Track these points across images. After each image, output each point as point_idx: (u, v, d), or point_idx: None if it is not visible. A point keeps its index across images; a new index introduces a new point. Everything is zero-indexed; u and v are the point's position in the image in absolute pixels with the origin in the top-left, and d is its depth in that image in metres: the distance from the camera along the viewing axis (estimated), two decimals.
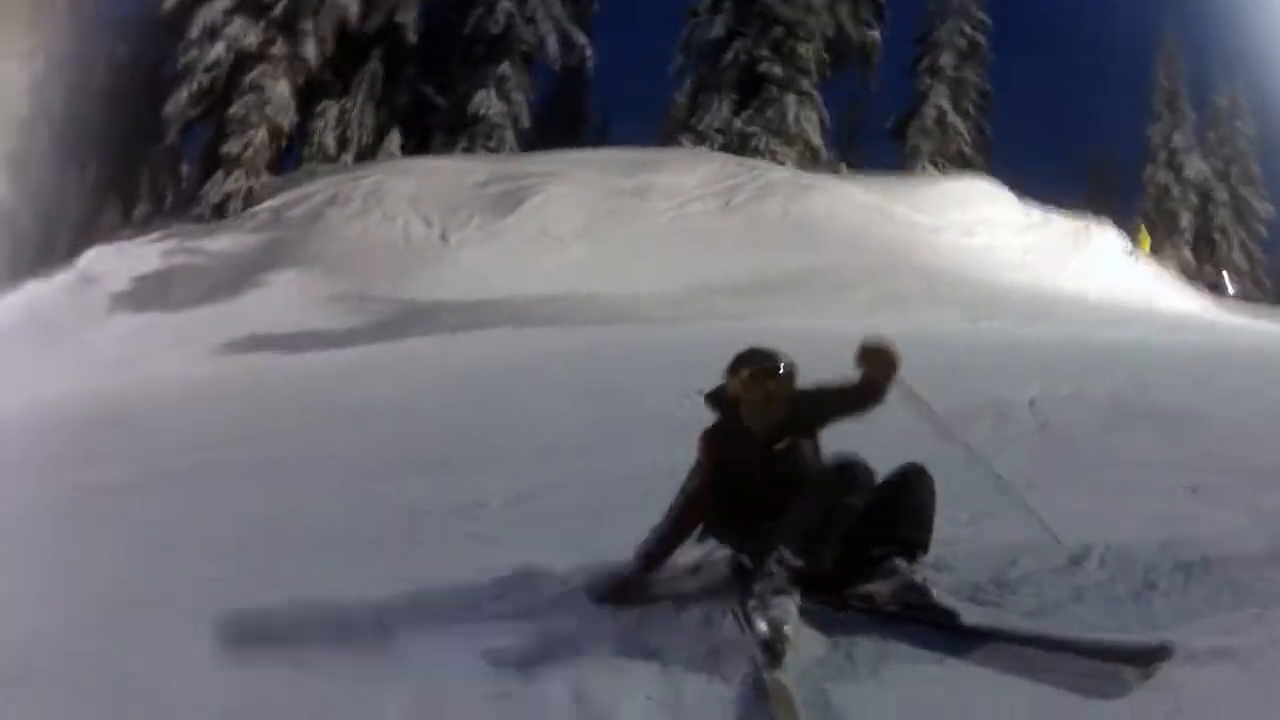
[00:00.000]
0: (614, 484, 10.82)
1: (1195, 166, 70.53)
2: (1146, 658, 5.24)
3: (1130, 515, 8.14)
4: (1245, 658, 5.26)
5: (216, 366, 27.66)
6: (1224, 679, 5.12)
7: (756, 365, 7.04)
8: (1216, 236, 71.03)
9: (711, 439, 7.23)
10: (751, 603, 6.12)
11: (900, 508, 6.63)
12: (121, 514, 11.52)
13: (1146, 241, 43.11)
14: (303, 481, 12.71)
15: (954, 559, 7.15)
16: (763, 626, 5.88)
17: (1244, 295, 65.55)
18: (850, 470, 6.50)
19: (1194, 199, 70.58)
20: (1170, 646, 5.25)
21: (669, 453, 11.46)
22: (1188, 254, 68.87)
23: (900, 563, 6.37)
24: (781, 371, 7.02)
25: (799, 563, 6.19)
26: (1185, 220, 69.72)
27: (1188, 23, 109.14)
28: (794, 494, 6.55)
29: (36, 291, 34.53)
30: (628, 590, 6.99)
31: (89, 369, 27.51)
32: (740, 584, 6.72)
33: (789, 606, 5.98)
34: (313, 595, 7.53)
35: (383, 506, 10.58)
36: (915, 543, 6.60)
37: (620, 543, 7.75)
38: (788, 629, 5.86)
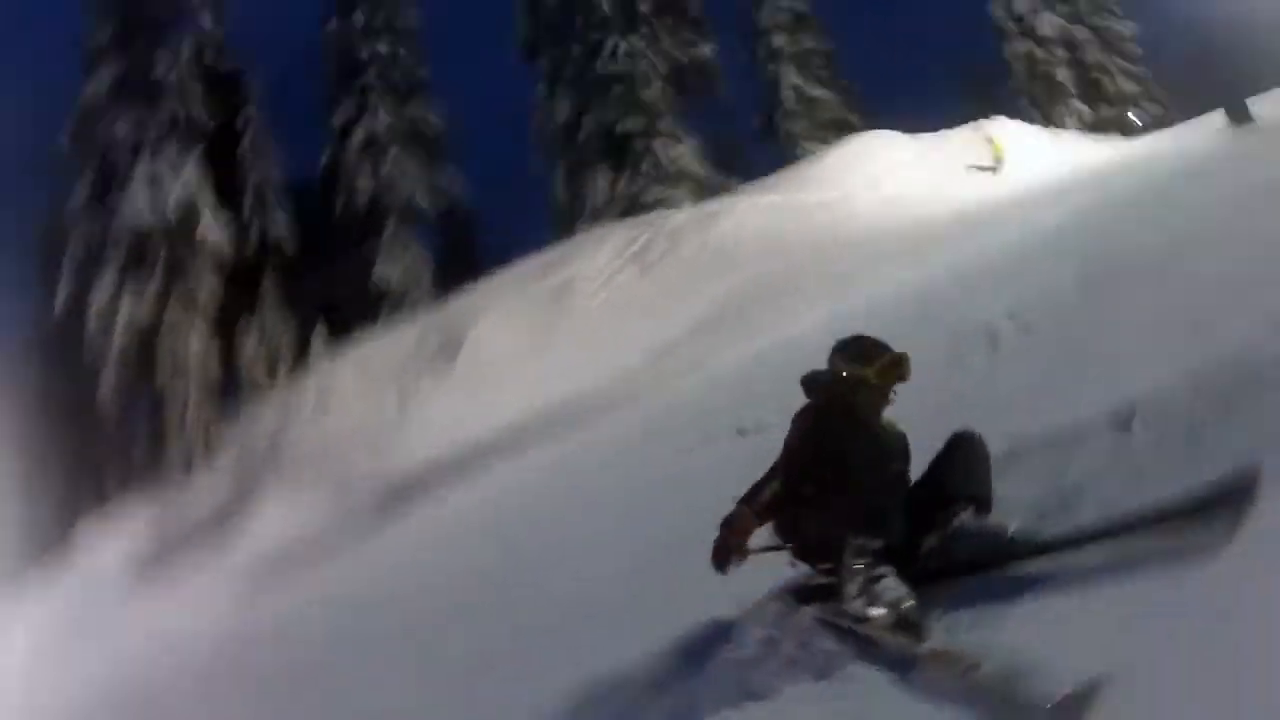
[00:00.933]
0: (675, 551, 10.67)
1: (1048, 22, 70.68)
2: (1236, 494, 5.20)
3: (1144, 373, 8.09)
4: None
5: (242, 619, 27.47)
6: None
7: (887, 356, 7.17)
8: (1096, 76, 71.20)
9: (807, 418, 7.31)
10: (855, 603, 6.12)
11: (956, 471, 6.65)
12: None
13: (999, 149, 43.29)
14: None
15: (1003, 488, 7.09)
16: (881, 613, 5.96)
17: (1150, 119, 66.16)
18: (885, 439, 6.54)
19: (1060, 52, 70.66)
20: (1254, 471, 5.19)
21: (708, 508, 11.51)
22: (1079, 105, 69.12)
23: (966, 517, 6.37)
24: (908, 363, 7.17)
25: (876, 543, 6.20)
26: (1062, 75, 69.81)
27: None
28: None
29: (45, 596, 34.89)
30: (726, 554, 7.15)
31: (120, 656, 27.49)
32: (816, 596, 6.77)
33: (894, 583, 6.04)
34: None
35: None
36: (978, 499, 6.59)
37: (689, 602, 7.82)
38: (909, 604, 5.96)
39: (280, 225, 54.04)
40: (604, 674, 7.82)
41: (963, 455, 6.78)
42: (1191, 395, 6.87)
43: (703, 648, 7.23)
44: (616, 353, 36.17)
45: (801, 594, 7.01)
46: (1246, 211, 12.67)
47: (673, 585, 9.43)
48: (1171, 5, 72.74)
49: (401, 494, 31.35)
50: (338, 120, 58.83)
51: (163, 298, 46.87)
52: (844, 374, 7.20)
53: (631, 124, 57.19)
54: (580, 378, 34.95)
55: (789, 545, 7.14)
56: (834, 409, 7.12)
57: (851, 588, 6.15)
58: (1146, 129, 62.69)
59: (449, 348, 42.24)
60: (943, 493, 6.62)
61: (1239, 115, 33.52)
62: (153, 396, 47.16)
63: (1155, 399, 7.16)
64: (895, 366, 7.09)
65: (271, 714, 14.48)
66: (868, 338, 7.35)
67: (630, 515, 14.30)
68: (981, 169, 42.03)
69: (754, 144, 71.09)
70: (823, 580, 6.84)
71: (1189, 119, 53.74)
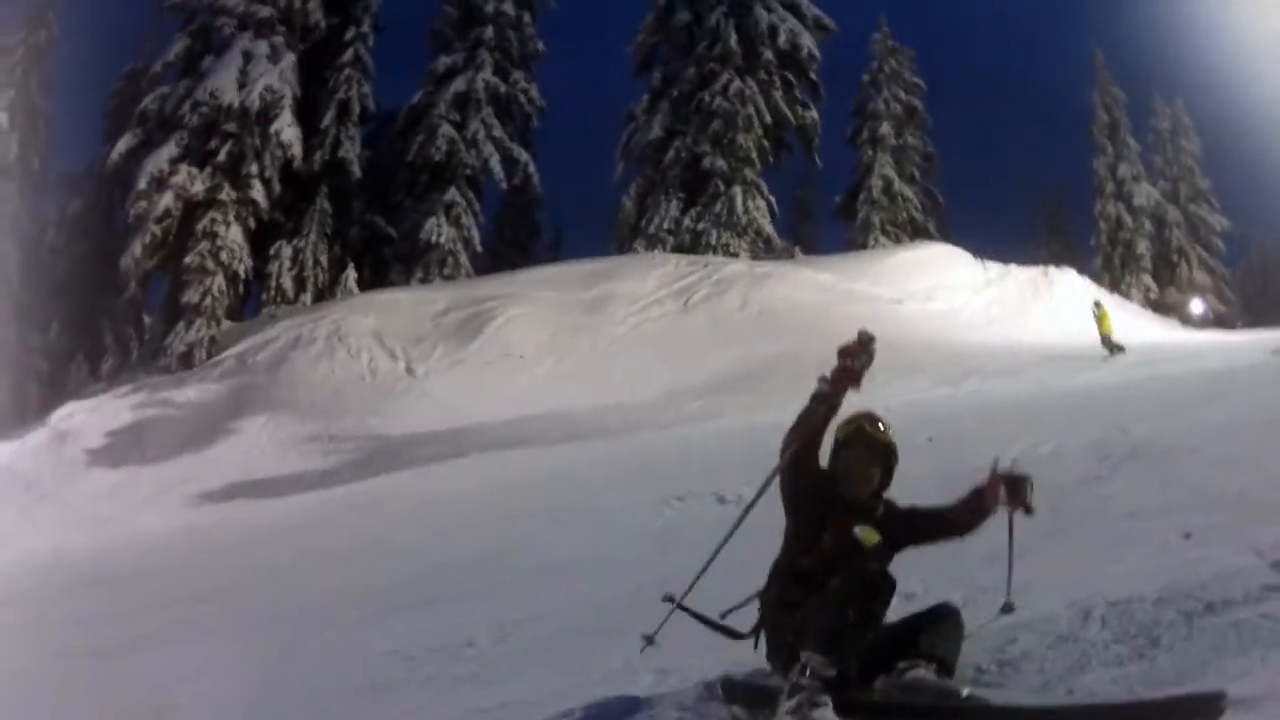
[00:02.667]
0: (598, 607, 10.70)
1: (1144, 193, 71.09)
2: (1206, 709, 5.05)
3: (1126, 570, 7.96)
4: (1255, 704, 5.01)
5: (195, 517, 27.80)
6: None
7: (864, 419, 6.94)
8: (1175, 259, 71.38)
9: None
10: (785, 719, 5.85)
11: (932, 633, 6.41)
12: (112, 676, 11.42)
13: (1108, 324, 40.19)
14: (289, 630, 12.58)
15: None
16: None
17: (1212, 315, 66.28)
18: (880, 579, 6.35)
19: (1148, 225, 71.09)
20: (1220, 697, 5.02)
21: (652, 567, 11.34)
22: (1149, 281, 69.26)
23: (925, 672, 6.18)
24: (870, 415, 6.94)
25: (830, 672, 5.91)
26: (1142, 247, 70.17)
27: (1120, 51, 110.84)
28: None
29: (13, 450, 35.12)
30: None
31: (70, 526, 27.79)
32: (745, 697, 6.57)
33: (830, 716, 5.77)
34: None
35: (372, 652, 10.43)
36: (942, 662, 6.30)
37: (611, 667, 7.66)
38: None
39: (353, 146, 54.33)
40: (511, 702, 7.71)
41: (942, 622, 6.50)
42: (1157, 607, 6.73)
43: (619, 711, 7.07)
44: (633, 382, 36.31)
45: (731, 690, 6.79)
46: (1267, 443, 12.46)
47: (613, 631, 9.32)
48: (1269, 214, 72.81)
49: (385, 455, 31.48)
50: (442, 65, 58.83)
51: (219, 178, 46.86)
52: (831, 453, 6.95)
53: (719, 163, 57.15)
54: (591, 395, 35.12)
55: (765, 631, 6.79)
56: (831, 494, 6.79)
57: (789, 704, 5.90)
58: (1207, 324, 62.88)
59: (473, 326, 42.48)
60: (912, 645, 6.35)
61: None
62: (176, 276, 47.16)
63: (1123, 600, 7.02)
64: (852, 423, 6.91)
65: (191, 616, 14.44)
66: (873, 413, 7.05)
67: (594, 548, 14.18)
68: (1111, 353, 36.91)
69: (829, 216, 71.36)
70: (761, 683, 6.62)
71: (1253, 327, 54.06)
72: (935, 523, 6.94)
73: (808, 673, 5.89)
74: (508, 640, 9.90)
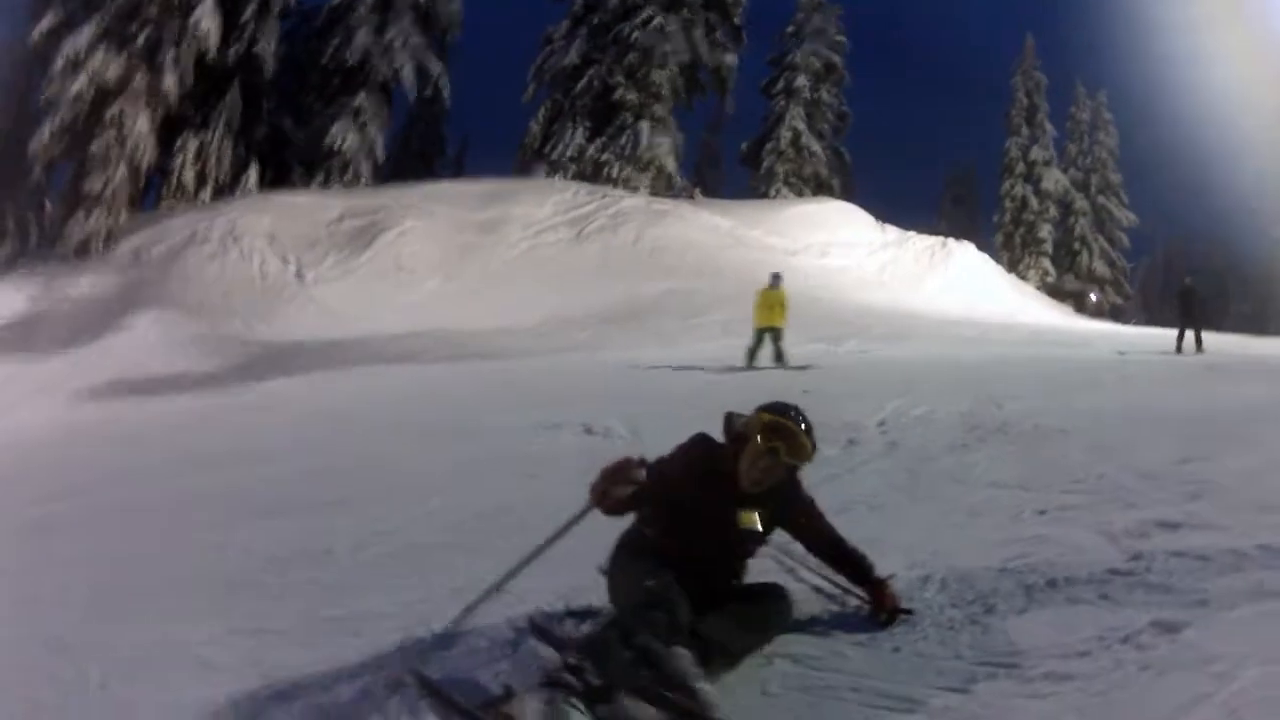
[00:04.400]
0: (459, 523, 10.77)
1: (1054, 178, 71.98)
2: None
3: (975, 538, 8.16)
4: (1084, 681, 5.18)
5: (77, 415, 27.48)
6: (1062, 706, 5.00)
7: (783, 419, 6.44)
8: (1077, 246, 72.30)
9: (700, 449, 6.59)
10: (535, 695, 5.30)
11: (734, 609, 6.19)
12: None
13: (781, 306, 29.13)
14: (157, 527, 12.61)
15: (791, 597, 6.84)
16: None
17: (1106, 306, 67.13)
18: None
19: (1053, 210, 71.88)
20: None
21: (516, 489, 11.42)
22: (1048, 265, 70.10)
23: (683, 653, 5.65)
24: (797, 443, 6.40)
25: (597, 681, 5.36)
26: (1044, 231, 71.31)
27: (1049, 37, 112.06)
28: (719, 564, 6.43)
29: None
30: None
31: None
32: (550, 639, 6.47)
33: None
34: (161, 643, 7.46)
35: (234, 552, 10.46)
36: (721, 644, 5.96)
37: (460, 582, 7.73)
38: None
39: (269, 43, 53.78)
40: (360, 613, 7.80)
41: (760, 603, 6.36)
42: (999, 577, 6.84)
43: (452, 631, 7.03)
44: (521, 307, 36.45)
45: (540, 626, 6.68)
46: (1135, 434, 12.61)
47: (466, 549, 9.46)
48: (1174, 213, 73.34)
49: (269, 360, 31.42)
50: None
51: (133, 64, 46.37)
52: (741, 428, 6.56)
53: (630, 96, 57.20)
54: (478, 316, 35.21)
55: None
56: (725, 458, 6.50)
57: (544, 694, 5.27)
58: (1102, 314, 63.73)
59: (366, 236, 42.46)
60: (712, 609, 6.04)
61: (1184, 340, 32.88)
62: (80, 163, 46.75)
63: (966, 567, 7.09)
64: (776, 433, 6.34)
65: (60, 511, 14.37)
66: (799, 411, 6.55)
67: (463, 467, 14.23)
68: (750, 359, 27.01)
69: (734, 164, 71.65)
70: (561, 636, 6.44)
71: (1146, 322, 54.99)
72: (819, 543, 6.83)
73: (574, 671, 5.43)
74: (365, 550, 9.95)
